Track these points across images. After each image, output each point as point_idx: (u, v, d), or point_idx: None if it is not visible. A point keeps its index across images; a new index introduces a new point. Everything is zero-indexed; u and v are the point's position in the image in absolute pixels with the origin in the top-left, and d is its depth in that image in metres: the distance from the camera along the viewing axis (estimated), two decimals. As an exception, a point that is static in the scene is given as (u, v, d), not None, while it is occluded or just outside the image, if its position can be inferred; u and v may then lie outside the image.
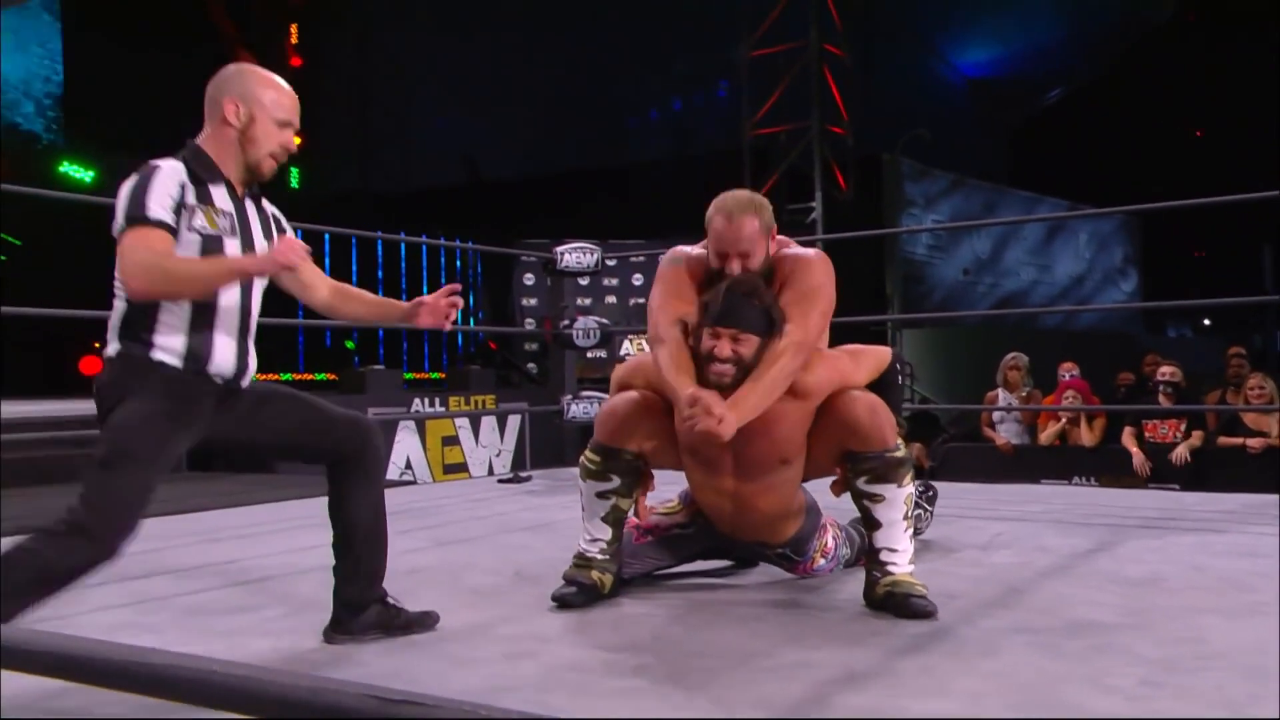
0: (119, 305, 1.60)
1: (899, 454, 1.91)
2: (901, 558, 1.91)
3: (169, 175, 1.58)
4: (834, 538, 2.20)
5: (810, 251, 2.04)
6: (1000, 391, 5.80)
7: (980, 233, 12.67)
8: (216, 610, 2.00)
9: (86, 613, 1.93)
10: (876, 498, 1.91)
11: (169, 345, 1.58)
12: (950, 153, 12.60)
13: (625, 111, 14.05)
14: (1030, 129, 15.62)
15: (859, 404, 1.91)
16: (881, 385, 1.99)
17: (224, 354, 1.62)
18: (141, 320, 1.58)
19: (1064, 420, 5.55)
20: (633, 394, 2.04)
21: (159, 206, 1.56)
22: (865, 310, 9.86)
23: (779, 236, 2.06)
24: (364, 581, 1.72)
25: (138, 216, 1.55)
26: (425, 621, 1.79)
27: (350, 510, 1.71)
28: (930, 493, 2.64)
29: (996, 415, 5.90)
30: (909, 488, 1.91)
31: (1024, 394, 5.75)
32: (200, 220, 1.59)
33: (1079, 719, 1.34)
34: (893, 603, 1.87)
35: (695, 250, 2.07)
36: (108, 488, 1.48)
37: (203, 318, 1.60)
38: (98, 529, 1.46)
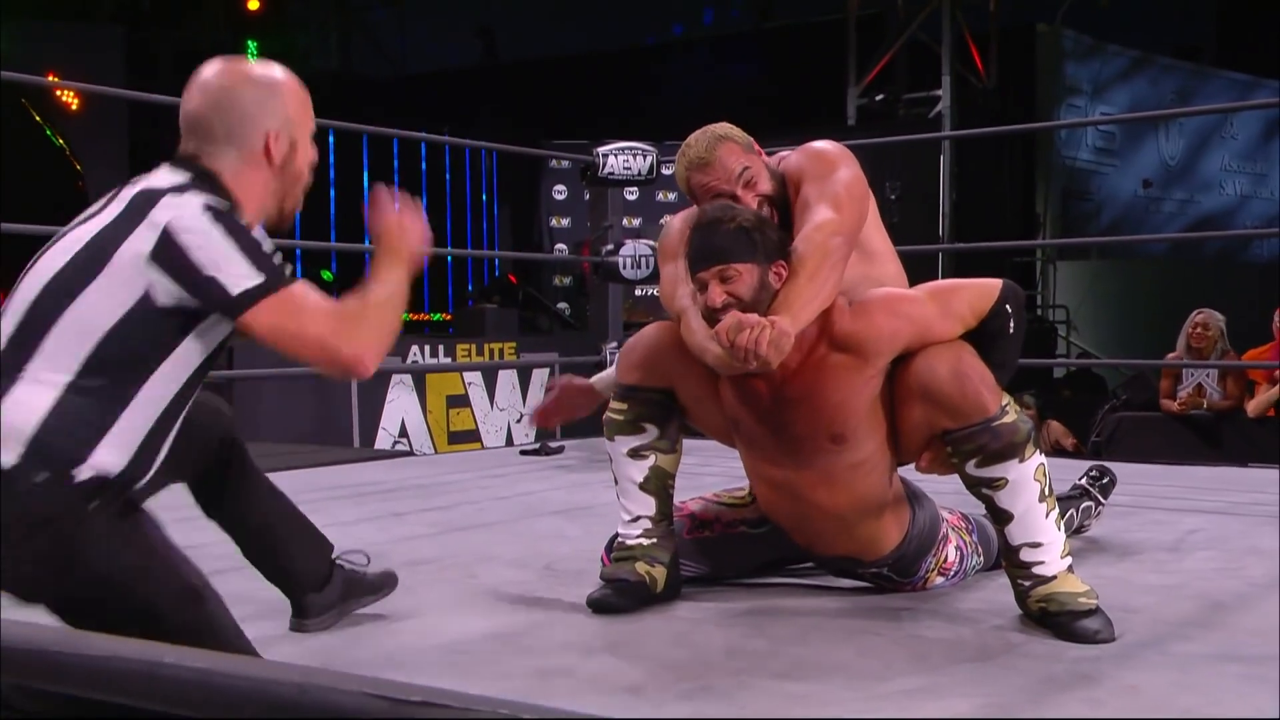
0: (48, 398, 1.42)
1: (1008, 419, 1.84)
2: (1050, 553, 1.87)
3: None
4: (960, 547, 2.14)
5: (816, 142, 2.10)
6: (1183, 360, 5.67)
7: (1170, 130, 12.26)
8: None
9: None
10: (996, 482, 1.85)
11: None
12: (1133, 21, 12.18)
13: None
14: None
15: (938, 365, 1.86)
16: (983, 336, 1.91)
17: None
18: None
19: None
20: (663, 323, 2.05)
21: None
22: (1007, 235, 9.69)
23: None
24: (301, 572, 1.86)
25: (276, 274, 1.49)
26: (388, 583, 1.99)
27: (248, 512, 1.81)
28: (1106, 479, 2.60)
29: (1182, 383, 5.74)
30: (1036, 458, 1.86)
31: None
32: None
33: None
34: (1053, 624, 1.84)
35: (690, 212, 2.10)
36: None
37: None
38: None
